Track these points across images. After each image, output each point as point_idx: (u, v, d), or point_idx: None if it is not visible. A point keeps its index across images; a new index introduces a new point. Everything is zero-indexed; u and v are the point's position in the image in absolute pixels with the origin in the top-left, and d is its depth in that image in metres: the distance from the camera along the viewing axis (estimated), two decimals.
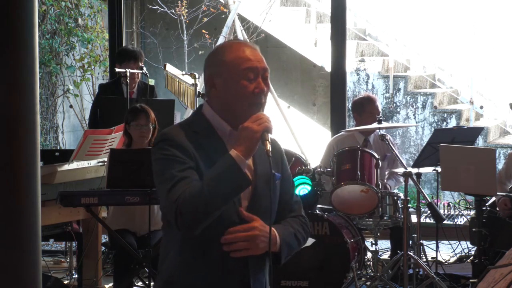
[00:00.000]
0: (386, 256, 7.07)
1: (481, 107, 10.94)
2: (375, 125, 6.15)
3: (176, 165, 2.69)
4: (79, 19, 10.84)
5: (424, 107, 10.68)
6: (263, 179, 2.79)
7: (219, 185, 2.62)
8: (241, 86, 2.76)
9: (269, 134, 2.69)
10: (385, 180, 6.57)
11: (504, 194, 6.14)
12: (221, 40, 10.10)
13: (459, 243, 7.18)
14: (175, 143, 2.72)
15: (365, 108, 6.56)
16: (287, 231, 2.85)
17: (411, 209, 6.25)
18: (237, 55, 2.79)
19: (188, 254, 2.76)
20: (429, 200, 5.71)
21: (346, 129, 6.98)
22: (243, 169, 2.63)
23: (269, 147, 2.66)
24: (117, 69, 6.93)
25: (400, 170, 6.07)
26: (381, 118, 6.14)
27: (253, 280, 2.79)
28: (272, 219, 2.82)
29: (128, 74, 6.74)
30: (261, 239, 2.71)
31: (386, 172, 6.66)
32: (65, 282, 6.29)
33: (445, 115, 10.65)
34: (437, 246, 6.61)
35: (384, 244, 7.49)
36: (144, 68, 7.09)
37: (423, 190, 5.90)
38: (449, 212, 7.54)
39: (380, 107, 6.66)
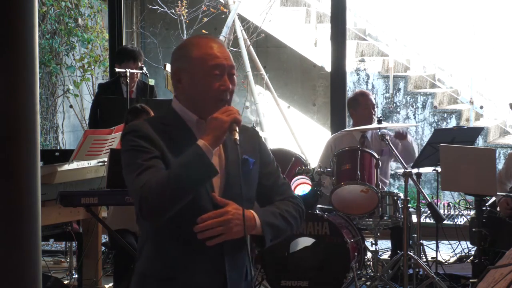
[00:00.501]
0: (386, 256, 7.07)
1: (481, 107, 10.94)
2: (375, 125, 6.15)
3: (142, 154, 2.71)
4: (79, 19, 10.84)
5: (424, 107, 10.68)
6: (236, 165, 2.80)
7: (185, 173, 2.63)
8: (206, 83, 2.78)
9: (236, 126, 2.70)
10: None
11: (504, 194, 6.13)
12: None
13: (459, 243, 7.18)
14: (141, 134, 2.75)
15: (360, 101, 6.59)
16: (268, 211, 2.85)
17: (411, 209, 6.26)
18: (204, 52, 2.80)
19: (162, 245, 2.77)
20: (429, 200, 5.71)
21: (346, 129, 6.98)
22: (210, 158, 2.65)
23: (237, 136, 2.68)
24: (117, 69, 6.93)
25: (400, 170, 6.07)
26: (381, 118, 6.14)
27: (229, 267, 2.78)
28: (251, 205, 2.84)
29: (128, 74, 6.75)
30: (235, 222, 2.70)
31: (392, 162, 6.67)
32: (65, 282, 6.29)
33: (445, 115, 10.65)
34: (437, 246, 6.61)
35: (384, 244, 7.49)
36: (144, 68, 7.10)
37: (423, 190, 5.90)
38: (449, 212, 7.54)
39: (374, 101, 6.68)
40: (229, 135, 2.73)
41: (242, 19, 10.68)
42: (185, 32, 10.79)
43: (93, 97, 10.08)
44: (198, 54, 2.80)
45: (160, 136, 2.75)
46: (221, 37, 10.09)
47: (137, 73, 7.00)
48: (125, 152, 2.77)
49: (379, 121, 6.11)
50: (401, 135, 6.47)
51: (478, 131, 7.57)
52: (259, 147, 2.94)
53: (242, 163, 2.80)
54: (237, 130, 2.70)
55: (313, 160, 7.20)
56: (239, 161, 2.75)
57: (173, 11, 10.72)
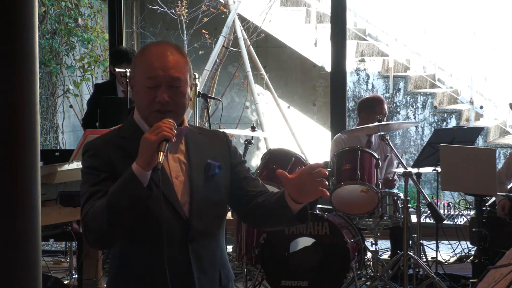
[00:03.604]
0: (386, 256, 7.07)
1: (481, 107, 10.93)
2: (375, 124, 6.15)
3: (91, 178, 2.71)
4: (79, 19, 10.84)
5: (424, 107, 10.68)
6: (200, 170, 2.78)
7: (119, 199, 2.60)
8: (144, 94, 2.74)
9: (167, 144, 2.62)
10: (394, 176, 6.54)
11: (504, 194, 6.14)
12: (221, 40, 10.10)
13: (459, 243, 7.19)
14: (94, 153, 2.74)
15: (375, 108, 6.54)
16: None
17: (411, 209, 6.26)
18: (145, 61, 2.76)
19: (126, 257, 2.77)
20: (429, 200, 5.72)
21: (349, 129, 6.98)
22: (143, 181, 2.59)
23: (161, 158, 2.59)
24: (117, 69, 6.94)
25: (400, 170, 6.07)
26: (380, 118, 6.14)
27: (198, 273, 2.76)
28: (221, 208, 2.82)
29: (128, 74, 6.76)
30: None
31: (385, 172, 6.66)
32: (65, 282, 6.29)
33: (445, 115, 10.65)
34: (437, 246, 6.61)
35: (384, 244, 7.49)
36: None
37: (423, 190, 5.90)
38: (449, 212, 7.54)
39: (387, 110, 6.67)
40: (197, 135, 2.73)
41: (242, 19, 10.68)
42: (185, 32, 10.79)
43: None
44: (140, 63, 2.77)
45: (117, 152, 2.73)
46: (221, 37, 10.09)
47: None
48: (81, 173, 2.78)
49: (379, 121, 6.11)
50: (389, 183, 6.46)
51: (478, 131, 7.57)
52: (229, 150, 2.90)
53: (207, 167, 2.78)
54: (164, 150, 2.60)
55: (313, 160, 7.19)
56: (159, 187, 2.65)
57: (173, 11, 10.72)
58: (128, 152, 2.71)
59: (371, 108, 6.58)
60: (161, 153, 2.59)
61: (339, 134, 6.78)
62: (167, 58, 2.75)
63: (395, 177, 6.53)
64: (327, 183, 2.69)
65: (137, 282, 2.76)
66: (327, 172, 2.65)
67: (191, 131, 2.86)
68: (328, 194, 2.67)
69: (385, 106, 6.63)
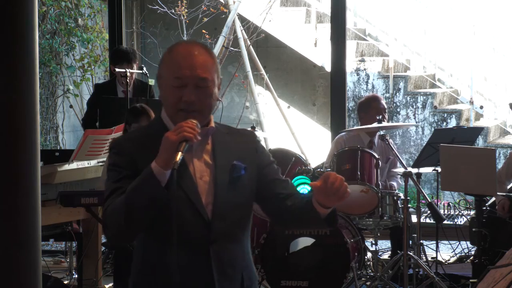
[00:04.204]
0: (386, 256, 7.07)
1: (481, 107, 10.93)
2: (375, 125, 6.15)
3: (114, 174, 2.72)
4: (79, 19, 10.84)
5: (424, 107, 10.68)
6: (226, 171, 2.77)
7: (136, 196, 2.60)
8: (170, 93, 2.74)
9: (187, 145, 2.61)
10: (389, 181, 6.55)
11: (504, 194, 6.13)
12: (221, 40, 10.10)
13: (459, 243, 7.19)
14: (119, 150, 2.75)
15: (371, 104, 6.56)
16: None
17: (411, 209, 6.26)
18: (172, 60, 2.75)
19: (149, 257, 2.77)
20: (429, 200, 5.71)
21: (350, 129, 6.98)
22: (161, 180, 2.59)
23: (178, 158, 2.58)
24: (117, 69, 6.95)
25: (400, 170, 6.07)
26: (380, 118, 6.14)
27: (218, 275, 2.74)
28: (245, 211, 2.81)
29: (128, 74, 6.77)
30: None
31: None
32: (65, 282, 6.29)
33: (445, 115, 10.64)
34: (437, 246, 6.61)
35: (384, 244, 7.49)
36: (144, 68, 7.13)
37: (423, 190, 5.90)
38: (449, 212, 7.54)
39: (385, 105, 6.67)
40: (224, 135, 2.70)
41: (242, 19, 10.68)
42: (185, 32, 10.79)
43: None
44: (168, 63, 2.76)
45: (140, 151, 2.72)
46: (221, 37, 10.09)
47: (132, 72, 6.99)
48: (107, 169, 2.80)
49: (379, 121, 6.11)
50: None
51: (478, 131, 7.57)
52: (256, 150, 2.88)
53: (232, 169, 2.77)
54: (183, 150, 2.59)
55: (313, 160, 7.20)
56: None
57: (173, 11, 10.71)
58: (153, 150, 2.69)
59: (368, 106, 6.60)
60: (179, 153, 2.59)
61: (340, 134, 6.78)
62: (195, 58, 2.73)
63: (393, 183, 6.52)
64: (346, 184, 2.75)
65: (157, 281, 2.75)
66: (342, 181, 2.74)
67: (218, 131, 2.83)
68: (349, 194, 2.74)
69: (382, 102, 6.64)
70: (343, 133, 6.76)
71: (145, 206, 2.61)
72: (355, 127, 6.56)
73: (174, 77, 2.71)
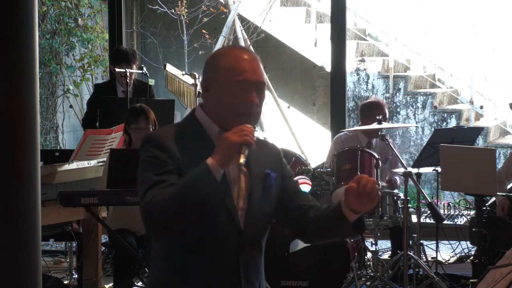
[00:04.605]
0: (386, 256, 7.07)
1: (481, 107, 10.93)
2: (375, 125, 6.15)
3: (156, 167, 2.68)
4: (79, 19, 10.84)
5: (424, 107, 10.68)
6: (259, 180, 2.79)
7: (191, 191, 2.59)
8: (233, 96, 2.72)
9: (247, 149, 2.62)
10: (392, 176, 6.53)
11: (504, 194, 6.14)
12: (221, 40, 10.10)
13: (459, 243, 7.19)
14: (158, 144, 2.71)
15: (373, 112, 6.54)
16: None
17: (411, 209, 6.25)
18: (235, 64, 2.74)
19: (175, 259, 2.74)
20: (429, 200, 5.71)
21: (349, 129, 6.98)
22: (217, 178, 2.60)
23: (242, 160, 2.60)
24: (117, 69, 6.95)
25: (400, 170, 6.07)
26: (380, 119, 6.14)
27: (245, 283, 2.76)
28: (269, 220, 2.83)
29: (128, 74, 6.77)
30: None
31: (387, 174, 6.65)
32: (65, 282, 6.29)
33: (445, 115, 10.65)
34: (437, 246, 6.61)
35: (384, 244, 7.49)
36: (144, 68, 7.13)
37: (423, 190, 5.89)
38: (449, 212, 7.54)
39: (387, 114, 6.64)
40: (256, 146, 2.68)
41: (242, 19, 10.68)
42: (185, 32, 10.79)
43: None
44: (227, 66, 2.74)
45: (179, 147, 2.71)
46: (221, 37, 10.09)
47: (132, 72, 7.00)
48: (142, 161, 2.74)
49: (379, 122, 6.11)
50: (391, 183, 6.44)
51: (478, 131, 7.57)
52: (281, 163, 2.91)
53: (265, 177, 2.79)
54: (245, 153, 2.62)
55: (313, 160, 7.20)
56: (237, 185, 2.72)
57: (173, 11, 10.72)
58: (190, 148, 2.70)
59: (369, 111, 6.58)
60: (242, 155, 2.61)
61: (339, 134, 6.78)
62: (257, 63, 2.77)
63: (396, 177, 6.52)
64: (377, 187, 2.70)
65: (183, 284, 2.73)
66: (377, 188, 2.67)
67: None
68: (380, 197, 2.72)
69: (385, 110, 6.60)
70: (341, 133, 6.76)
71: (199, 201, 2.60)
72: (355, 127, 6.55)
73: (239, 79, 2.72)
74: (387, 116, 6.63)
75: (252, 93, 2.73)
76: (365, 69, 10.96)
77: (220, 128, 2.76)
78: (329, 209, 2.82)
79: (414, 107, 10.73)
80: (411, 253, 5.86)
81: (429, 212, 6.48)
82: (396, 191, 6.28)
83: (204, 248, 2.69)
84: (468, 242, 7.03)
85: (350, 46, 10.68)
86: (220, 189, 2.63)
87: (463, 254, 7.20)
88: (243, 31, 10.32)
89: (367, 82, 10.94)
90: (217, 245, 2.71)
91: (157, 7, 10.79)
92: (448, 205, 7.63)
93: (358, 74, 10.97)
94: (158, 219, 2.62)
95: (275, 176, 2.82)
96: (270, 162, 2.85)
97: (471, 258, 6.85)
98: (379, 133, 6.18)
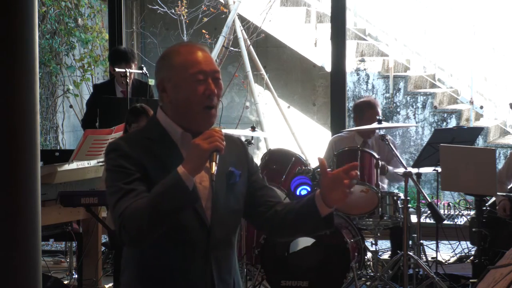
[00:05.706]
0: (386, 256, 7.07)
1: (481, 107, 10.93)
2: (375, 125, 6.15)
3: (123, 176, 2.67)
4: (79, 19, 10.84)
5: (424, 107, 10.68)
6: (223, 178, 2.78)
7: (163, 201, 2.58)
8: (191, 89, 2.73)
9: (218, 155, 2.62)
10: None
11: (505, 194, 6.14)
12: (221, 40, 10.10)
13: (459, 243, 7.19)
14: (122, 153, 2.70)
15: (365, 113, 6.54)
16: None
17: (411, 209, 6.25)
18: (186, 58, 2.75)
19: (147, 261, 2.75)
20: (429, 200, 5.71)
21: (347, 129, 6.98)
22: (189, 187, 2.59)
23: (214, 169, 2.60)
24: (116, 69, 6.95)
25: (400, 170, 6.07)
26: (381, 119, 6.14)
27: (218, 281, 2.76)
28: (238, 217, 2.85)
29: (128, 74, 6.77)
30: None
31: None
32: (65, 282, 6.29)
33: (445, 115, 10.65)
34: (437, 246, 6.61)
35: (384, 244, 7.49)
36: (144, 68, 7.14)
37: (423, 190, 5.90)
38: (449, 212, 7.54)
39: (380, 111, 6.63)
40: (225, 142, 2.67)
41: (242, 19, 10.68)
42: (185, 32, 10.79)
43: None
44: (179, 62, 2.75)
45: (143, 154, 2.71)
46: (221, 37, 10.09)
47: (131, 72, 7.00)
48: (108, 171, 2.74)
49: (379, 122, 6.10)
50: (382, 170, 6.43)
51: (478, 131, 7.57)
52: (246, 157, 2.91)
53: (228, 175, 2.78)
54: (216, 161, 2.61)
55: (313, 160, 7.19)
56: (212, 191, 2.72)
57: (173, 11, 10.72)
58: (156, 154, 2.71)
59: (361, 111, 6.58)
60: (213, 163, 2.60)
61: (333, 137, 6.81)
62: (207, 53, 2.79)
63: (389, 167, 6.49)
64: (349, 190, 2.74)
65: (156, 286, 2.74)
66: (356, 173, 2.72)
67: None
68: (351, 194, 2.74)
69: (377, 109, 6.57)
70: (335, 136, 6.78)
71: (172, 210, 2.60)
72: (355, 128, 6.55)
73: (193, 72, 2.72)
74: (380, 114, 6.62)
75: (208, 82, 2.74)
76: (365, 69, 10.96)
77: (183, 129, 2.76)
78: (300, 202, 2.83)
79: (414, 107, 10.73)
80: (411, 253, 5.86)
81: (429, 212, 6.48)
82: (396, 191, 6.28)
83: (175, 250, 2.70)
84: (468, 242, 7.03)
85: (350, 46, 10.68)
86: (192, 197, 2.62)
87: (463, 254, 7.20)
88: (243, 31, 10.32)
89: (367, 82, 10.94)
90: (188, 246, 2.71)
91: (157, 7, 10.78)
92: (448, 205, 7.63)
93: (358, 74, 10.97)
94: (132, 230, 2.62)
95: (239, 173, 2.81)
96: (235, 157, 2.84)
97: (471, 258, 6.85)
98: (379, 133, 6.18)
